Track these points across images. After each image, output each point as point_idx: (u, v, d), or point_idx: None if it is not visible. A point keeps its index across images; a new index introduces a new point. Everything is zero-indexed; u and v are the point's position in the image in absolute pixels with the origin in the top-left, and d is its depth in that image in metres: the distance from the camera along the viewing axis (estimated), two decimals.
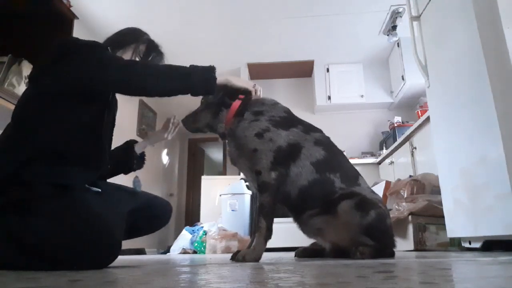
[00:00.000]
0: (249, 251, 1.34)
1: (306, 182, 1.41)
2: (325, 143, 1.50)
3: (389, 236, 1.44)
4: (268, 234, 1.36)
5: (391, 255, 1.44)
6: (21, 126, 1.22)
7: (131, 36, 1.54)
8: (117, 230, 1.17)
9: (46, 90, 1.23)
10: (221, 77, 1.39)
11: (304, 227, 1.52)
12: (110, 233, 1.12)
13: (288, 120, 1.51)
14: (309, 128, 1.53)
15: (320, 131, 1.56)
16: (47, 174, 1.15)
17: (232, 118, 1.51)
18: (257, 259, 1.32)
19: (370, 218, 1.34)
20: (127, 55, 1.49)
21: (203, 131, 1.64)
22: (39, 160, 1.16)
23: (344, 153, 1.68)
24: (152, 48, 1.58)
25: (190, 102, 1.76)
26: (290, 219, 1.56)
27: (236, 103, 1.51)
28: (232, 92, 1.51)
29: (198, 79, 1.32)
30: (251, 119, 1.47)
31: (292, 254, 2.16)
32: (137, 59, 1.51)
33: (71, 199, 1.16)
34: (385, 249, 1.42)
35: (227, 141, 1.56)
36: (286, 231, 2.35)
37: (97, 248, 1.08)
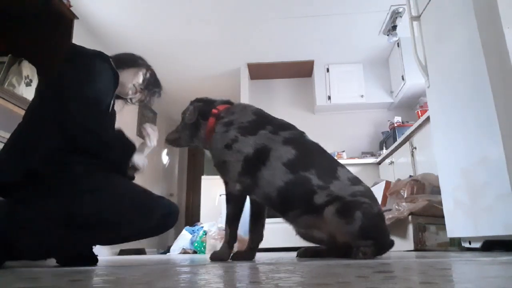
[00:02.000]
0: (215, 251, 1.53)
1: (282, 183, 1.40)
2: (295, 140, 1.48)
3: (382, 230, 1.42)
4: (232, 240, 1.50)
5: (391, 245, 1.43)
6: (40, 121, 1.28)
7: (140, 60, 1.61)
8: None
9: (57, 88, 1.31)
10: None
11: (294, 226, 1.54)
12: (157, 200, 1.27)
13: (257, 123, 1.51)
14: (279, 127, 1.51)
15: (291, 128, 1.54)
16: (79, 160, 1.25)
17: (209, 135, 1.56)
18: (222, 259, 1.46)
19: (357, 223, 1.30)
20: (138, 77, 1.56)
21: (186, 146, 1.74)
22: (65, 151, 1.24)
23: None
24: (155, 79, 1.65)
25: (189, 101, 1.76)
26: None
27: (211, 121, 1.56)
28: (205, 111, 1.59)
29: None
30: (222, 131, 1.50)
31: (292, 254, 2.16)
32: (140, 80, 1.57)
33: (108, 176, 1.28)
34: (384, 243, 1.41)
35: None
36: (286, 231, 2.35)
37: (154, 213, 1.23)
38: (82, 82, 1.27)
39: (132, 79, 1.55)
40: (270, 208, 1.53)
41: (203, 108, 1.59)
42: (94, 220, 1.15)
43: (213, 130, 1.53)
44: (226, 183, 1.48)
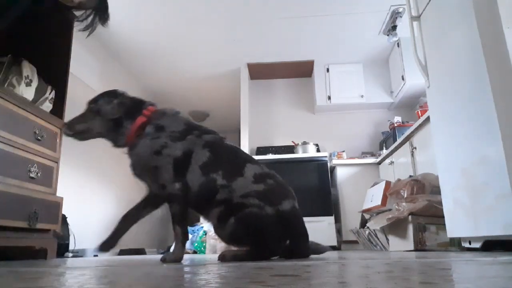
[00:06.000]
0: (169, 253, 1.46)
1: (197, 187, 1.44)
2: (214, 144, 1.51)
3: (265, 233, 1.38)
4: (184, 238, 1.45)
5: (272, 254, 1.42)
6: None
7: None
8: None
9: None
10: None
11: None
12: None
13: (186, 131, 1.52)
14: (204, 132, 1.54)
15: (213, 132, 1.57)
16: None
17: (134, 134, 1.51)
18: (177, 259, 1.42)
19: (228, 229, 1.37)
20: None
21: (90, 138, 1.58)
22: None
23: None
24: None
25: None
26: None
27: (140, 120, 1.51)
28: (132, 109, 1.53)
29: None
30: (152, 136, 1.48)
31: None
32: None
33: None
34: (260, 252, 1.38)
35: (128, 154, 1.54)
36: None
37: None
38: None
39: None
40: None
41: (129, 106, 1.54)
42: None
43: (140, 130, 1.50)
44: (163, 187, 1.46)
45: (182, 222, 1.45)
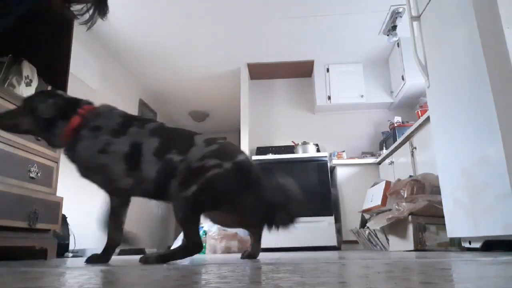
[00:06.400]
0: (95, 254, 1.53)
1: (155, 174, 1.43)
2: (159, 129, 1.53)
3: (228, 191, 1.42)
4: (120, 233, 1.50)
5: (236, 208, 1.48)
6: None
7: None
8: None
9: None
10: None
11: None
12: None
13: (125, 124, 1.51)
14: (145, 122, 1.55)
15: (154, 120, 1.60)
16: None
17: (70, 135, 1.48)
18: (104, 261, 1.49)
19: (191, 190, 1.35)
20: None
21: (18, 133, 1.60)
22: None
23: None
24: None
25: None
26: None
27: (76, 120, 1.48)
28: (67, 110, 1.50)
29: None
30: (91, 137, 1.46)
31: (292, 254, 2.16)
32: None
33: None
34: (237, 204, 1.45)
35: (66, 155, 1.53)
36: (286, 232, 2.35)
37: None
38: None
39: None
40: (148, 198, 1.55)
41: (63, 106, 1.51)
42: None
43: (76, 131, 1.48)
44: (112, 182, 1.45)
45: (120, 214, 1.47)
